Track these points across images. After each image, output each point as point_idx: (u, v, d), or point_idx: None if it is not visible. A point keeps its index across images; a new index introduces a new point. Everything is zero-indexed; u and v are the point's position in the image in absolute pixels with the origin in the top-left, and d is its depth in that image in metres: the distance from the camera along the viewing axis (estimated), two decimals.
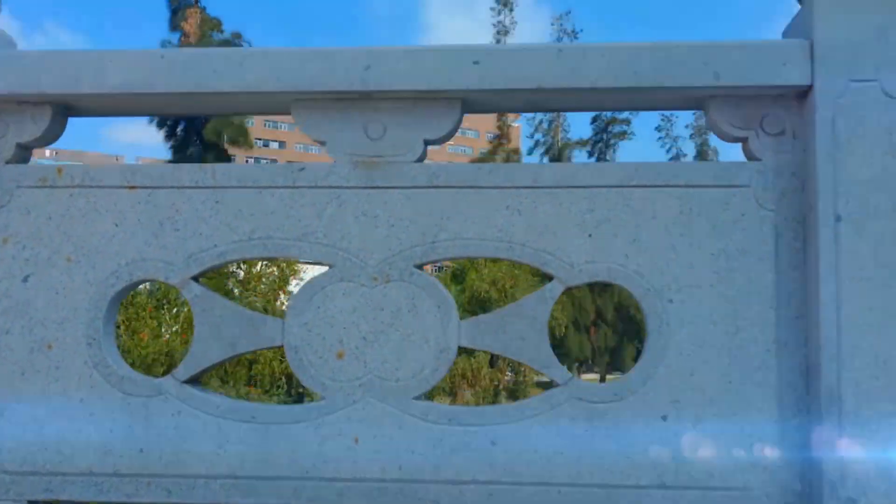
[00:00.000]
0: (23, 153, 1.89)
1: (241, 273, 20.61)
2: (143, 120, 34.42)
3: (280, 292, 21.20)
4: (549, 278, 1.79)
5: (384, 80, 1.77)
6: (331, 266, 1.80)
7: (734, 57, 1.71)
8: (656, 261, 1.74)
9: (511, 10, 41.80)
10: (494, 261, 32.89)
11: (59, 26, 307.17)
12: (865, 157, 1.62)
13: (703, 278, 1.73)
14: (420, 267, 1.77)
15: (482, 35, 42.84)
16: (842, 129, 1.63)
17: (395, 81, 1.77)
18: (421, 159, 1.84)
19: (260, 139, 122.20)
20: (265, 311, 20.88)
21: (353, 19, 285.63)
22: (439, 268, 64.53)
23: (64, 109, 1.90)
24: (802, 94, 1.72)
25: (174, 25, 31.34)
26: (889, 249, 1.59)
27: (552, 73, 1.75)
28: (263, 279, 21.12)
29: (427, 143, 1.84)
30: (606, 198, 1.77)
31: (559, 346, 42.91)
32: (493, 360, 29.30)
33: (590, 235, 1.76)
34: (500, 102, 1.92)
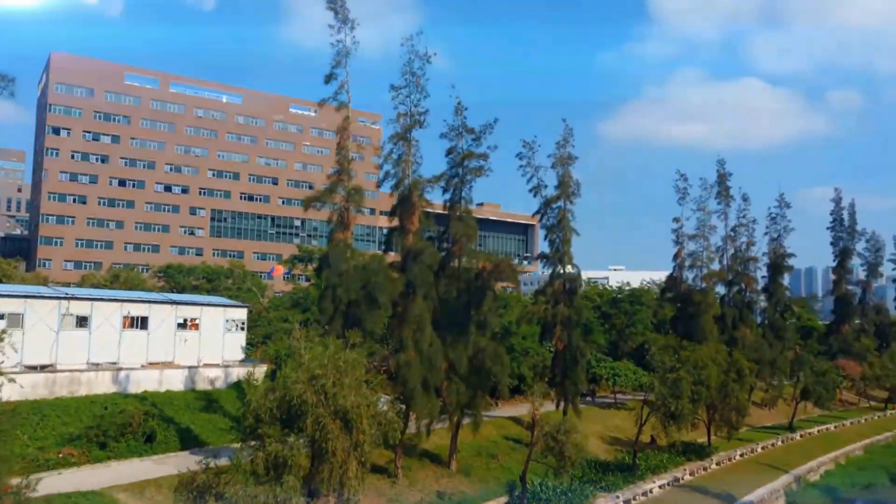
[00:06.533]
0: None
1: None
2: None
3: None
4: None
5: None
6: None
7: None
8: None
9: (352, 28, 35.96)
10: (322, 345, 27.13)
11: None
12: None
13: None
14: None
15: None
16: None
17: None
18: None
19: (88, 132, 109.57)
20: None
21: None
22: (257, 342, 57.43)
23: None
24: None
25: None
26: None
27: None
28: None
29: None
30: None
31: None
32: (311, 491, 23.33)
33: None
34: None
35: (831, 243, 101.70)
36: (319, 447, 23.43)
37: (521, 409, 56.38)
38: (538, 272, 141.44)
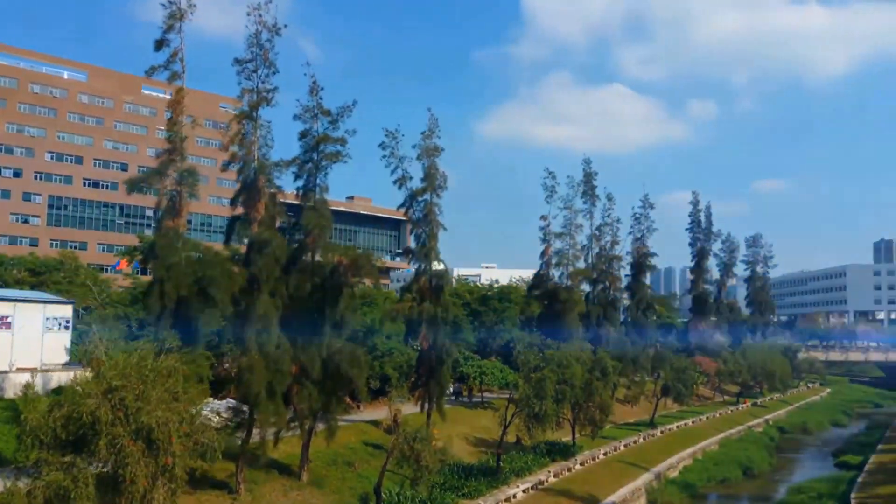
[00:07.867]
0: None
1: None
2: None
3: None
4: None
5: None
6: None
7: None
8: None
9: None
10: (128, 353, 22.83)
11: None
12: None
13: None
14: None
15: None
16: None
17: None
18: None
19: None
20: None
21: None
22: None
23: None
24: None
25: None
26: None
27: None
28: None
29: None
30: None
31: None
32: None
33: None
34: None
35: (690, 244, 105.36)
36: (115, 474, 19.28)
37: (384, 412, 53.22)
38: (411, 269, 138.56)
